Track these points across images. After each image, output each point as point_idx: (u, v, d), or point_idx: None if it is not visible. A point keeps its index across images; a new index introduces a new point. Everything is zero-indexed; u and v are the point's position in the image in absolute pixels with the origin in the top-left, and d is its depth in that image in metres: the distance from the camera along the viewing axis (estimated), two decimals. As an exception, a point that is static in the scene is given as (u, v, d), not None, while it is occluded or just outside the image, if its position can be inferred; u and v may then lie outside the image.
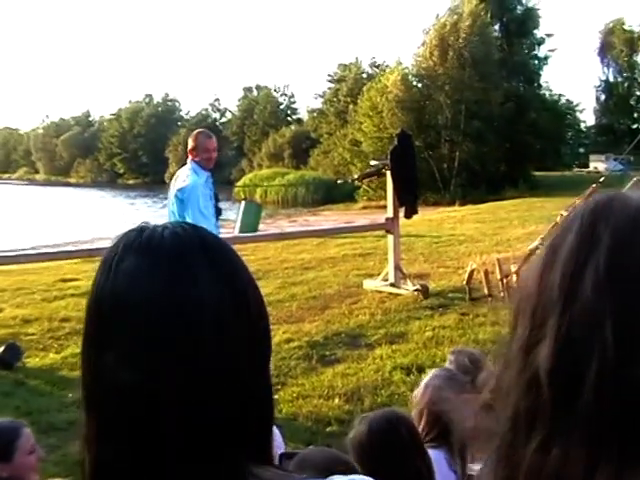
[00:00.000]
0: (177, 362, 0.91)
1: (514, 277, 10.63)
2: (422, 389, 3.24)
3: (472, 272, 10.95)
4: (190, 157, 7.29)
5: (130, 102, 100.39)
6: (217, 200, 26.52)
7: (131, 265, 0.95)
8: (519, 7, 47.50)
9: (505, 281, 10.59)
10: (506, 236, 18.07)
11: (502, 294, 10.56)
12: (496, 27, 46.68)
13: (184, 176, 7.22)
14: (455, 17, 44.54)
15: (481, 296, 10.72)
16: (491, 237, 18.33)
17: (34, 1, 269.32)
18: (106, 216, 39.97)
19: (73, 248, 15.90)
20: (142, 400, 0.91)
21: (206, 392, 0.91)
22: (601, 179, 11.10)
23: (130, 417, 0.91)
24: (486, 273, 10.73)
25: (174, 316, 0.91)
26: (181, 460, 0.91)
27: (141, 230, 0.99)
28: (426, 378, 3.32)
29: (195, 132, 7.73)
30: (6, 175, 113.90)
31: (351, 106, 52.19)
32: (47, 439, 5.45)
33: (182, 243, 0.97)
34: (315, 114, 66.06)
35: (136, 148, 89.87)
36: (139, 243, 0.96)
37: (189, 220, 6.57)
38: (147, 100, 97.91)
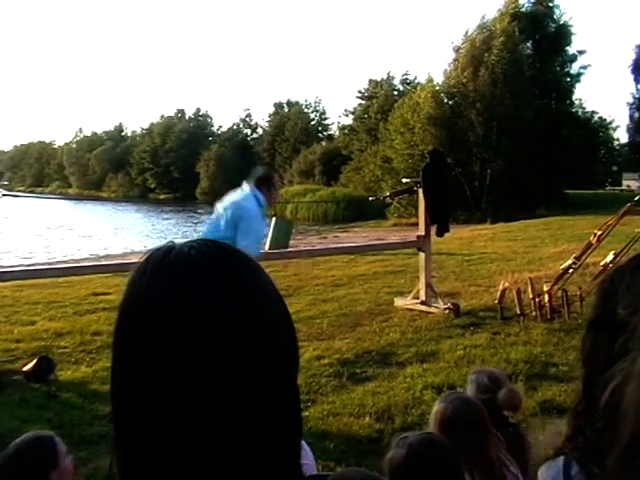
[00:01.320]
0: (201, 380, 0.91)
1: (546, 296, 10.55)
2: (432, 415, 3.20)
3: (504, 291, 10.86)
4: (258, 186, 7.77)
5: (162, 117, 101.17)
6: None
7: (157, 284, 0.95)
8: (551, 24, 47.27)
9: (537, 300, 10.51)
10: (538, 255, 17.95)
11: (534, 313, 10.49)
12: (528, 44, 46.51)
13: (250, 198, 7.77)
14: (485, 34, 44.49)
15: (513, 315, 10.63)
16: (523, 255, 18.21)
17: (69, 16, 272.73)
18: (140, 230, 40.40)
19: (105, 262, 15.98)
20: (164, 417, 0.91)
21: (231, 409, 0.91)
22: (636, 197, 10.97)
23: (154, 434, 0.92)
24: (518, 292, 10.64)
25: (198, 334, 0.91)
26: (207, 477, 0.91)
27: (168, 249, 0.99)
28: (436, 404, 3.27)
29: (275, 175, 8.52)
30: (39, 189, 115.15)
31: (382, 123, 52.22)
32: (78, 452, 5.47)
33: (207, 262, 0.97)
34: (346, 131, 66.16)
35: (168, 163, 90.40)
36: (166, 262, 0.97)
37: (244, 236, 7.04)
38: (179, 115, 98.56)
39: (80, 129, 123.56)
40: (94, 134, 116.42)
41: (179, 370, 0.91)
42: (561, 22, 47.49)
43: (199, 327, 0.91)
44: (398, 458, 2.53)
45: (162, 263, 0.98)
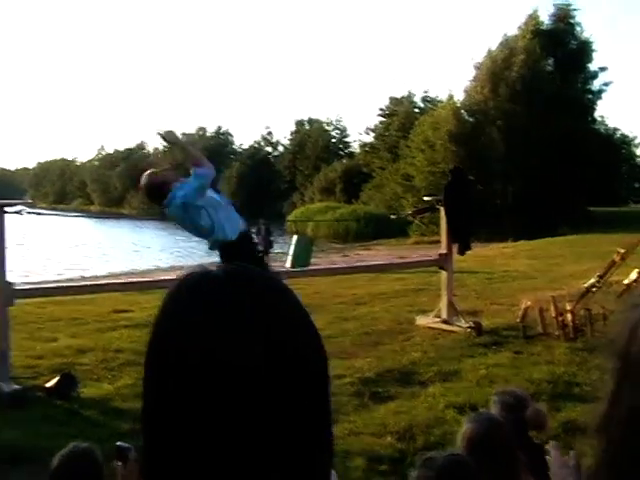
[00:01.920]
0: (232, 404, 0.90)
1: (569, 315, 10.48)
2: (460, 435, 3.17)
3: (526, 309, 10.80)
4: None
5: (183, 134, 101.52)
6: (269, 234, 26.59)
7: (189, 311, 0.95)
8: (573, 41, 47.21)
9: (560, 319, 10.44)
10: (560, 273, 17.84)
11: (557, 332, 10.42)
12: (549, 61, 46.46)
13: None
14: (507, 51, 44.50)
15: (535, 334, 10.57)
16: (545, 274, 18.11)
17: (92, 34, 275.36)
18: (161, 248, 40.56)
19: (127, 280, 16.08)
20: (192, 431, 0.91)
21: (263, 434, 0.91)
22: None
23: (181, 446, 0.92)
24: (541, 311, 10.59)
25: (228, 352, 0.91)
26: None
27: (201, 273, 1.00)
28: (464, 423, 3.25)
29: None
30: (61, 205, 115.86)
31: (402, 140, 52.25)
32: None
33: (239, 285, 0.98)
34: (367, 148, 66.20)
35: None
36: (198, 289, 0.98)
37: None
38: (200, 133, 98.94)
39: (102, 146, 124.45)
40: (116, 151, 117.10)
41: (211, 387, 0.91)
42: (582, 39, 47.42)
43: (229, 344, 0.91)
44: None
45: (196, 286, 0.98)
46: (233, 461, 0.90)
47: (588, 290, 10.87)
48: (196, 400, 0.91)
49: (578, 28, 47.58)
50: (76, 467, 3.12)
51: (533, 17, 46.69)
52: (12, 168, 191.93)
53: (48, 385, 8.40)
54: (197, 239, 8.62)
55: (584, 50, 46.98)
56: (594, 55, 47.28)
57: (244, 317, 0.94)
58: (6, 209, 8.61)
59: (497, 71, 43.67)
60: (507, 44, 45.87)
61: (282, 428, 0.92)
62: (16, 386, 8.36)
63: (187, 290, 0.99)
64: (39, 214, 16.49)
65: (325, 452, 1.01)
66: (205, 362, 0.91)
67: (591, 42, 47.37)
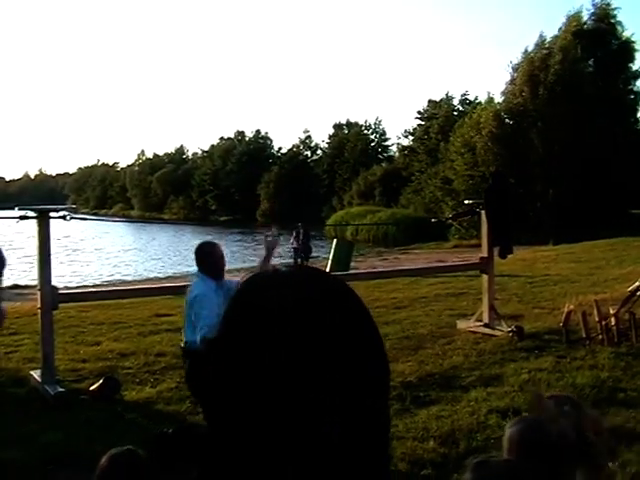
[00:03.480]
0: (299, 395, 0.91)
1: (613, 319, 10.35)
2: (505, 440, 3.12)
3: (569, 314, 10.68)
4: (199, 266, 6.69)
5: (222, 138, 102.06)
6: (308, 239, 26.64)
7: (264, 303, 0.97)
8: (614, 41, 46.64)
9: (604, 323, 10.31)
10: (603, 276, 17.63)
11: (601, 337, 10.29)
12: (590, 62, 45.95)
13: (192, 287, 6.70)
14: (544, 52, 44.12)
15: (578, 339, 10.44)
16: (587, 277, 17.92)
17: (132, 40, 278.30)
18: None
19: (167, 284, 16.19)
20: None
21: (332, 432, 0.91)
22: None
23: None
24: (584, 315, 10.45)
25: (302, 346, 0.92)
26: None
27: (273, 272, 1.02)
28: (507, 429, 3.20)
29: (199, 244, 7.16)
30: (103, 210, 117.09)
31: (442, 144, 52.06)
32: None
33: (308, 281, 1.00)
34: (406, 152, 66.05)
35: (228, 185, 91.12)
36: (270, 284, 0.99)
37: (203, 323, 6.09)
38: (239, 137, 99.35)
39: (142, 151, 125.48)
40: (156, 156, 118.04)
41: (282, 375, 0.92)
42: (623, 38, 46.83)
43: (299, 335, 0.93)
44: None
45: (268, 281, 1.00)
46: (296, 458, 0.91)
47: (632, 294, 10.72)
48: (265, 388, 0.91)
49: (619, 28, 47.04)
50: (122, 469, 3.15)
51: (575, 17, 46.23)
52: (53, 173, 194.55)
53: (92, 388, 8.49)
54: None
55: (625, 50, 46.37)
56: (636, 55, 46.67)
57: (314, 312, 0.95)
58: (51, 214, 8.73)
59: (535, 72, 43.29)
60: (544, 45, 45.47)
61: (343, 422, 0.92)
62: (61, 389, 8.47)
63: (260, 284, 1.00)
64: (83, 219, 16.68)
65: (382, 454, 1.00)
66: (275, 353, 0.92)
67: (633, 42, 46.73)
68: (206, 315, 6.17)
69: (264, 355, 0.93)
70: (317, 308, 0.96)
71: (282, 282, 0.99)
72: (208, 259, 6.58)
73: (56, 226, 8.94)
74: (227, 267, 6.68)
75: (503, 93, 46.97)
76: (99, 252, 40.73)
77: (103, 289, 15.00)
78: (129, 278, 27.41)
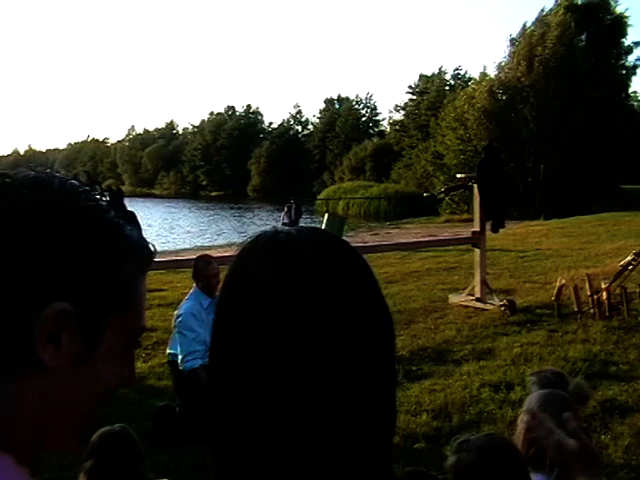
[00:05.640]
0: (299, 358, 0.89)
1: (605, 293, 10.37)
2: (522, 414, 3.11)
3: (561, 288, 10.70)
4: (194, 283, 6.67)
5: (212, 114, 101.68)
6: (298, 215, 26.55)
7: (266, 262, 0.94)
8: (608, 16, 46.48)
9: (595, 297, 10.33)
10: (594, 251, 17.65)
11: (592, 311, 10.32)
12: (583, 37, 45.81)
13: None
14: (543, 28, 43.99)
15: (570, 313, 10.47)
16: (578, 252, 17.94)
17: (120, 14, 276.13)
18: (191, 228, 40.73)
19: (160, 259, 16.12)
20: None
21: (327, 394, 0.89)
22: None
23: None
24: (575, 289, 10.47)
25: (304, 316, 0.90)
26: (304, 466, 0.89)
27: (275, 231, 0.98)
28: (526, 401, 3.19)
29: (195, 257, 7.10)
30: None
31: (433, 119, 51.96)
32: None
33: (310, 244, 0.96)
34: (397, 127, 65.94)
35: (219, 160, 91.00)
36: (275, 242, 0.96)
37: (187, 350, 6.19)
38: (229, 112, 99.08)
39: (132, 127, 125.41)
40: (146, 132, 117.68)
41: (279, 340, 0.89)
42: (616, 13, 46.68)
43: (296, 299, 0.90)
44: (465, 464, 2.43)
45: (271, 243, 0.96)
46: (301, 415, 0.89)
47: (624, 268, 10.74)
48: (262, 353, 0.89)
49: (612, 2, 46.90)
50: (113, 447, 3.14)
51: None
52: (43, 149, 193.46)
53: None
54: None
55: (618, 25, 46.23)
56: (629, 30, 46.53)
57: (315, 273, 0.92)
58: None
59: (532, 47, 43.15)
60: (543, 20, 45.31)
61: (345, 389, 0.90)
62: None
63: (261, 246, 0.97)
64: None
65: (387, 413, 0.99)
66: (272, 317, 0.90)
67: (626, 17, 46.60)
68: (191, 340, 6.16)
69: (266, 343, 0.90)
70: (314, 273, 0.92)
71: (283, 244, 0.96)
72: (201, 276, 6.54)
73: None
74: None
75: (499, 67, 46.77)
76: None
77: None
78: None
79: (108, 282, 0.86)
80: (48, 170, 0.92)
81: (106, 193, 0.91)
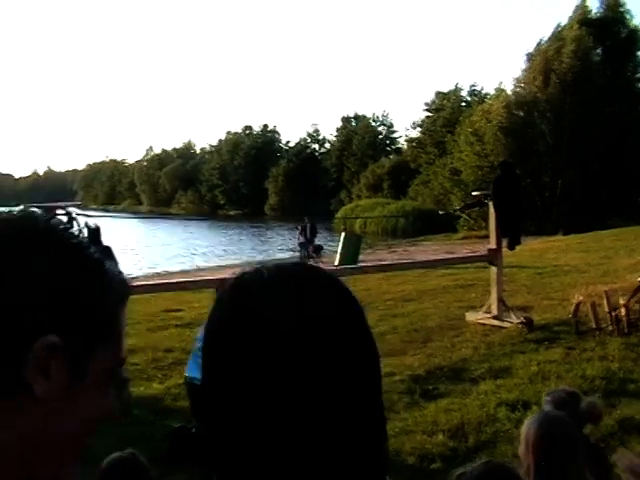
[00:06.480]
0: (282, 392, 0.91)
1: (623, 310, 10.27)
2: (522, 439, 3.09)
3: (578, 304, 10.61)
4: None
5: (229, 133, 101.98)
6: (314, 233, 26.40)
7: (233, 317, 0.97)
8: (623, 30, 46.38)
9: (614, 314, 10.24)
10: (613, 266, 17.51)
11: (610, 328, 10.22)
12: (598, 51, 45.70)
13: None
14: (559, 43, 43.93)
15: (588, 330, 10.37)
16: (597, 267, 17.80)
17: (140, 37, 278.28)
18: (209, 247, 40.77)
19: (180, 279, 16.16)
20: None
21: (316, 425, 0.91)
22: None
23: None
24: (593, 305, 10.38)
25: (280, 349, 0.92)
26: None
27: (257, 270, 1.00)
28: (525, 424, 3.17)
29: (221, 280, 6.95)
30: (111, 206, 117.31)
31: (449, 135, 51.91)
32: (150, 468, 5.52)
33: (281, 283, 0.98)
34: (414, 144, 65.86)
35: (236, 179, 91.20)
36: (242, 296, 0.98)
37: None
38: (247, 132, 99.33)
39: (150, 147, 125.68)
40: (164, 151, 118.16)
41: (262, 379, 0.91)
42: (632, 26, 46.55)
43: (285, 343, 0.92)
44: None
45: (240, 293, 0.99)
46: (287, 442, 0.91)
47: (642, 284, 10.64)
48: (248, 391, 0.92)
49: (627, 16, 46.81)
50: (123, 473, 3.13)
51: (581, 6, 46.06)
52: (62, 170, 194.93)
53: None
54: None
55: (634, 38, 46.08)
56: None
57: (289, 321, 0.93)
58: (56, 212, 8.70)
59: (548, 62, 43.10)
60: (559, 35, 45.27)
61: (333, 422, 0.92)
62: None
63: (231, 297, 0.99)
64: (88, 216, 16.67)
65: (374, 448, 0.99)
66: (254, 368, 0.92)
67: (641, 29, 46.48)
68: None
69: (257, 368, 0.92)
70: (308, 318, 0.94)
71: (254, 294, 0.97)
72: None
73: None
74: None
75: (516, 82, 46.69)
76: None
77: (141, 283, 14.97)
78: (139, 274, 27.36)
79: (92, 315, 0.90)
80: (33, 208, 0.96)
81: (84, 230, 0.94)
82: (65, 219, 0.94)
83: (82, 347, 0.89)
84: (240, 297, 0.98)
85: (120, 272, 0.96)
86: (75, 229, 0.94)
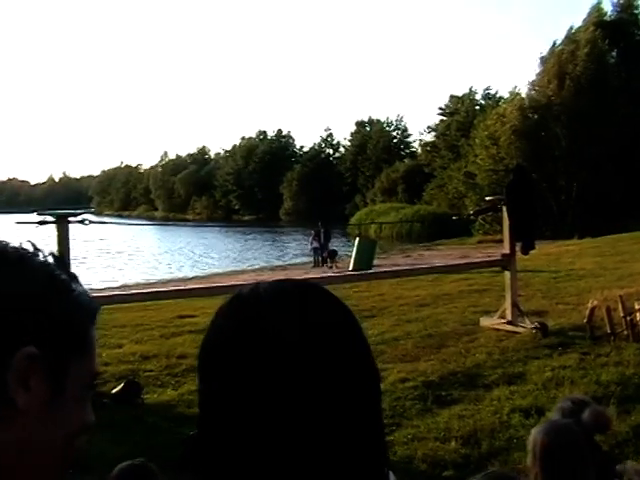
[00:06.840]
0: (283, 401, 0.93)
1: (638, 314, 10.19)
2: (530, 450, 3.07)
3: (593, 309, 10.54)
4: None
5: (243, 138, 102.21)
6: (327, 239, 26.45)
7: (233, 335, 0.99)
8: (637, 32, 46.19)
9: (629, 319, 10.16)
10: (628, 270, 17.39)
11: (626, 333, 10.15)
12: (613, 53, 45.52)
13: None
14: (573, 45, 43.79)
15: (603, 335, 10.29)
16: (612, 272, 17.70)
17: (154, 42, 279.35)
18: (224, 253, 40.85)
19: (194, 286, 16.20)
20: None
21: (312, 433, 0.93)
22: None
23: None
24: (608, 310, 10.30)
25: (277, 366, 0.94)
26: None
27: (253, 289, 1.03)
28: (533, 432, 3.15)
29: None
30: (126, 212, 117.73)
31: (463, 139, 51.82)
32: (163, 476, 5.52)
33: (276, 299, 1.00)
34: (428, 148, 65.77)
35: (251, 184, 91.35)
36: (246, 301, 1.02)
37: None
38: (261, 137, 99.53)
39: (165, 153, 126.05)
40: (178, 157, 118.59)
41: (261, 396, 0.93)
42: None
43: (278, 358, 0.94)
44: None
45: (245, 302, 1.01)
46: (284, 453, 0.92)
47: (658, 288, 10.57)
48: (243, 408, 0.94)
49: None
50: None
51: (597, 8, 45.90)
52: (77, 176, 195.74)
53: (114, 391, 8.51)
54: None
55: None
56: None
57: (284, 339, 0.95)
58: (70, 219, 8.74)
59: (563, 65, 42.96)
60: (573, 37, 45.11)
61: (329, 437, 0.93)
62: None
63: (229, 316, 1.02)
64: (102, 223, 16.73)
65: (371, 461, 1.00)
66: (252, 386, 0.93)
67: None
68: None
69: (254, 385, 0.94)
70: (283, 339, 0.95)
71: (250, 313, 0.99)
72: None
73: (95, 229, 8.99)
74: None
75: (531, 84, 46.52)
76: (121, 254, 40.76)
77: (124, 292, 15.00)
78: (152, 280, 27.43)
79: (64, 330, 0.95)
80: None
81: (49, 257, 1.00)
82: (31, 248, 0.99)
83: (57, 360, 0.93)
84: (240, 307, 1.00)
85: (87, 294, 1.02)
86: (41, 257, 0.99)
